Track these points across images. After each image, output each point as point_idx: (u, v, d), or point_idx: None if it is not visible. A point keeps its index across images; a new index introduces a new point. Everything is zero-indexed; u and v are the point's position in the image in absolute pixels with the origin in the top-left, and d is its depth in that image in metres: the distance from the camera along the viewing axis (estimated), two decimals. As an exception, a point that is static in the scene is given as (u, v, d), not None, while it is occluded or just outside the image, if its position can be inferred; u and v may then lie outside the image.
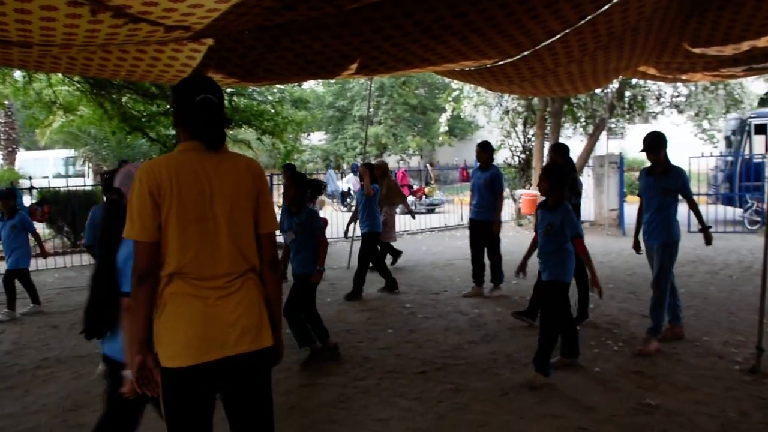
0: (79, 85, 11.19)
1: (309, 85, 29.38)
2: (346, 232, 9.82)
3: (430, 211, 18.75)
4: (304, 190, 5.28)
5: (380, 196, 8.71)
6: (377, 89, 29.46)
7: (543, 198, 4.97)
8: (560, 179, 4.81)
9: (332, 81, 28.72)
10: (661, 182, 5.28)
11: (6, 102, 15.88)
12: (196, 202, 2.28)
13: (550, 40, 5.22)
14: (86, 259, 11.43)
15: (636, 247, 5.74)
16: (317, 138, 33.72)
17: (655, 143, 5.31)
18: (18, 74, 11.69)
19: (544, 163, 6.42)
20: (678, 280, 7.17)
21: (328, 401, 4.39)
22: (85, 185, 14.69)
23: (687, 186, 5.35)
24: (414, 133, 31.94)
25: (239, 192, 2.37)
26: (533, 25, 4.67)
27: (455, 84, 15.81)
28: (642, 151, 5.40)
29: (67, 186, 13.23)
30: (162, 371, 2.26)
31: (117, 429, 2.80)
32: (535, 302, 5.69)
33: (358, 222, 8.48)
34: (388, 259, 9.72)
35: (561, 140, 13.60)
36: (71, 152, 23.21)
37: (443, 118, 17.97)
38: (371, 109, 29.74)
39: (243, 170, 2.42)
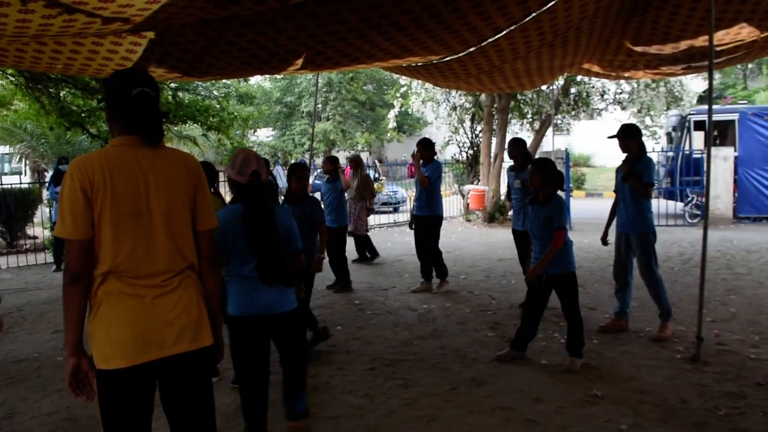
0: (13, 79, 10.76)
1: (256, 80, 29.00)
2: None
3: (396, 210, 18.28)
4: (306, 181, 5.51)
5: (354, 189, 9.20)
6: (325, 85, 29.32)
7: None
8: (552, 173, 4.86)
9: (279, 76, 28.45)
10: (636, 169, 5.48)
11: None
12: (130, 198, 2.20)
13: (496, 37, 5.26)
14: (23, 260, 11.05)
15: (604, 239, 6.00)
16: (265, 134, 33.36)
17: (626, 133, 5.58)
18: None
19: (502, 156, 6.49)
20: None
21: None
22: (21, 183, 14.18)
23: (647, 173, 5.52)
24: (363, 129, 31.91)
25: (176, 188, 2.30)
26: (479, 21, 4.70)
27: (403, 80, 15.83)
28: (611, 137, 5.72)
29: (1, 184, 12.71)
30: (97, 373, 2.18)
31: None
32: (531, 293, 5.49)
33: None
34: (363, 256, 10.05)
35: (508, 136, 13.77)
36: (6, 149, 22.37)
37: (391, 114, 18.00)
38: (319, 105, 29.61)
39: (180, 165, 2.35)
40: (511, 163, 7.11)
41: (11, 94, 11.78)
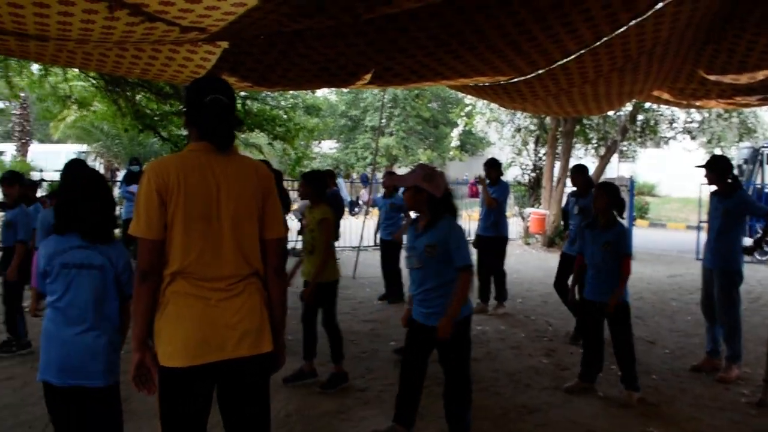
0: (94, 81, 11.27)
1: (322, 92, 29.47)
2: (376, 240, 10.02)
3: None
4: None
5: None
6: (390, 101, 29.50)
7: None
8: (618, 198, 4.76)
9: (345, 90, 28.81)
10: (722, 204, 5.25)
11: (21, 94, 15.99)
12: (202, 203, 2.26)
13: (565, 60, 5.20)
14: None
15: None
16: (328, 146, 33.77)
17: (716, 165, 5.32)
18: (35, 67, 11.76)
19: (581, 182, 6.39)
20: (687, 307, 7.13)
21: (329, 410, 4.35)
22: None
23: (752, 206, 5.32)
24: (425, 146, 31.93)
25: (245, 195, 2.34)
26: (549, 44, 4.66)
27: (468, 99, 15.80)
28: (699, 167, 5.46)
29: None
30: (160, 370, 2.24)
31: None
32: (583, 323, 5.36)
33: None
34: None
35: (572, 161, 13.55)
36: (83, 147, 23.30)
37: (455, 133, 17.96)
38: (383, 120, 29.81)
39: (250, 173, 2.39)
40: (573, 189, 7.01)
41: (92, 96, 12.33)
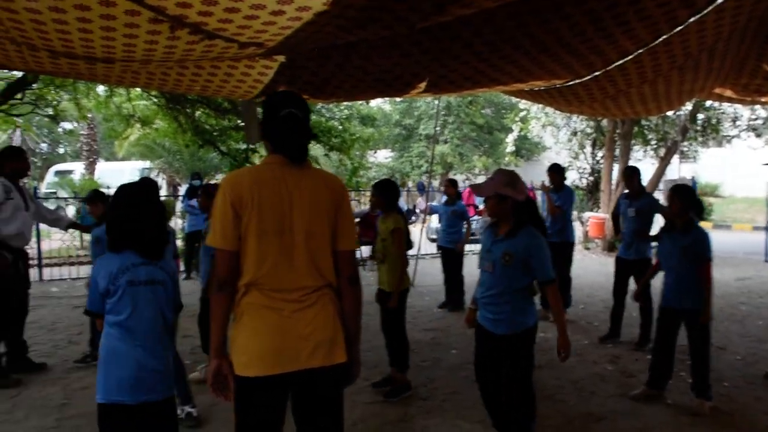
0: (155, 100, 11.65)
1: (376, 102, 29.64)
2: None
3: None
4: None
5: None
6: (444, 108, 29.44)
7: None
8: (692, 199, 4.63)
9: (399, 99, 28.91)
10: None
11: (89, 115, 16.63)
12: (275, 215, 2.30)
13: (623, 61, 5.11)
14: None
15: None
16: (383, 155, 33.92)
17: None
18: (100, 89, 12.24)
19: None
20: (757, 312, 6.90)
21: (392, 419, 4.36)
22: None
23: None
24: (480, 153, 31.74)
25: (318, 207, 2.38)
26: (605, 45, 4.59)
27: (523, 104, 15.66)
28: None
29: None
30: (235, 379, 2.30)
31: None
32: (662, 328, 5.17)
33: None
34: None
35: (631, 163, 13.24)
36: (147, 164, 24.04)
37: (510, 138, 17.84)
38: (438, 128, 29.79)
39: (323, 186, 2.42)
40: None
41: (154, 114, 12.75)
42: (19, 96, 10.88)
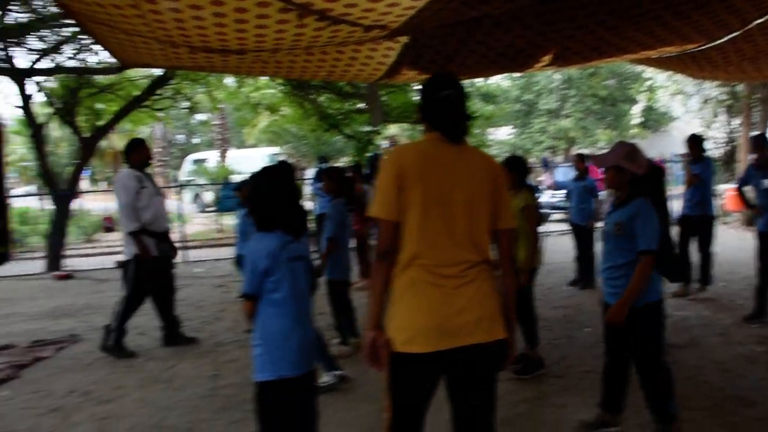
0: (282, 88, 12.08)
1: (495, 79, 29.10)
2: None
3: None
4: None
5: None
6: (564, 82, 28.44)
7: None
8: None
9: (517, 75, 28.24)
10: None
11: (220, 106, 17.56)
12: (437, 190, 2.32)
13: (764, 19, 4.72)
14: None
15: None
16: (504, 133, 33.36)
17: None
18: (230, 80, 12.87)
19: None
20: None
21: (527, 397, 4.32)
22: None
23: None
24: (604, 126, 30.44)
25: (477, 184, 2.39)
26: (742, 2, 4.25)
27: (648, 72, 14.85)
28: None
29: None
30: (393, 354, 2.31)
31: None
32: None
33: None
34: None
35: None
36: (275, 149, 25.00)
37: (636, 110, 16.98)
38: (558, 102, 28.87)
39: (482, 164, 2.44)
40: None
41: (280, 101, 13.24)
42: (159, 92, 11.69)
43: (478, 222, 2.37)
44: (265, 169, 2.99)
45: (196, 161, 26.93)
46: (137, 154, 5.69)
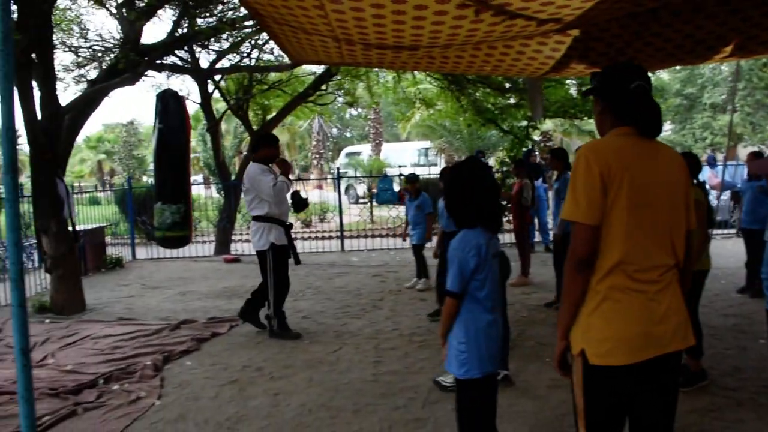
0: (438, 82, 12.25)
1: (657, 72, 27.59)
2: None
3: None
4: None
5: None
6: (731, 74, 26.37)
7: None
8: None
9: (678, 67, 26.55)
10: None
11: (377, 100, 18.11)
12: (643, 189, 2.17)
13: None
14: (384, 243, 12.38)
15: None
16: (664, 128, 31.51)
17: None
18: (389, 76, 13.25)
19: None
20: None
21: (697, 408, 4.12)
22: (429, 174, 16.04)
23: None
24: (776, 122, 27.88)
25: (676, 183, 2.26)
26: None
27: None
28: None
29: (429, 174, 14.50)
30: (589, 367, 2.18)
31: None
32: None
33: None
34: None
35: None
36: (428, 143, 25.25)
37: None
38: (724, 96, 26.83)
39: (677, 162, 2.30)
40: None
41: (436, 96, 13.44)
42: (323, 87, 12.28)
43: (678, 223, 2.24)
44: (462, 164, 2.93)
45: (350, 154, 27.78)
46: (268, 149, 5.80)
